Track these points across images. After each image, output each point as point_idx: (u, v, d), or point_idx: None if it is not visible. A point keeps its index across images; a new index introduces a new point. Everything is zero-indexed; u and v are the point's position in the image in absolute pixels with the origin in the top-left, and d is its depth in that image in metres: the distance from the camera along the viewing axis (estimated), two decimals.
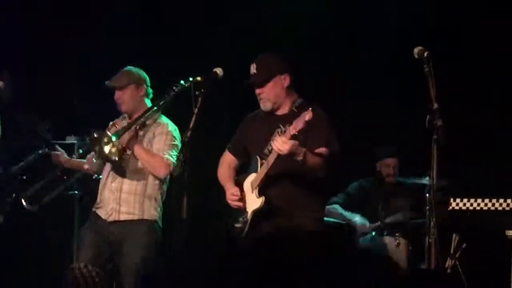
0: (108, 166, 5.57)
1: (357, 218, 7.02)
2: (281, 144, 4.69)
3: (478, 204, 5.70)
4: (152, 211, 5.49)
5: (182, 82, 5.14)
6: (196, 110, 4.75)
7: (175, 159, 5.35)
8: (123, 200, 5.45)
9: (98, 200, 5.61)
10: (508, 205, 5.56)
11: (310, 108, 4.67)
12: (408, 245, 6.76)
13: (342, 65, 7.37)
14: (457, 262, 6.23)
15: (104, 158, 5.40)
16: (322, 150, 4.91)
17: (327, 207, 7.07)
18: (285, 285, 4.80)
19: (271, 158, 4.84)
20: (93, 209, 5.60)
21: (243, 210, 5.05)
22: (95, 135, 5.33)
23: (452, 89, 6.03)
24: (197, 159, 4.83)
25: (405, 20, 7.17)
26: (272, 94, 5.05)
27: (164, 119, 5.58)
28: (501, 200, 5.60)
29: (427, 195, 6.08)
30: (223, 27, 7.35)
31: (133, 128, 5.44)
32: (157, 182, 5.49)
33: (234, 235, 5.10)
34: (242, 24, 7.23)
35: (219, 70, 4.93)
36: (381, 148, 7.33)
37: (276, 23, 7.28)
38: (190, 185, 4.69)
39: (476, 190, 5.75)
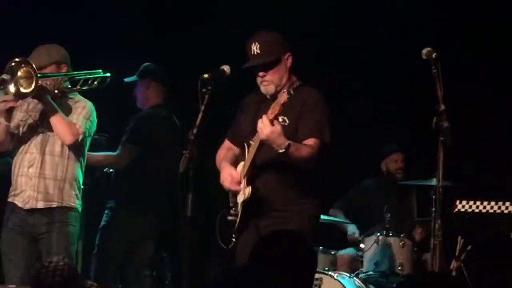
0: (22, 150, 5.29)
1: (350, 227, 7.05)
2: (261, 125, 4.49)
3: (484, 207, 5.69)
4: (72, 198, 5.27)
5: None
6: (202, 107, 4.69)
7: (86, 132, 5.24)
8: (41, 186, 5.20)
9: (13, 187, 5.30)
10: None
11: (285, 91, 4.53)
12: (413, 246, 6.75)
13: (345, 65, 7.38)
14: (462, 264, 6.22)
15: (23, 94, 5.05)
16: (310, 141, 4.68)
17: (331, 210, 7.15)
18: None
19: (255, 144, 4.66)
20: (9, 199, 5.30)
21: (235, 201, 4.83)
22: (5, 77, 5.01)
23: (460, 90, 6.02)
24: (203, 156, 4.82)
25: (417, 21, 7.19)
26: (276, 77, 4.79)
27: (83, 99, 5.41)
28: (507, 203, 5.58)
29: (433, 196, 6.08)
30: (231, 26, 7.33)
31: (58, 78, 5.23)
32: (76, 165, 5.29)
33: (228, 229, 4.84)
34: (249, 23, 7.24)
35: (226, 68, 4.84)
36: (386, 145, 7.38)
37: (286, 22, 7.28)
38: (196, 182, 4.68)
39: (482, 192, 5.74)
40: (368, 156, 7.38)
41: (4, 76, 5.00)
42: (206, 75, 4.75)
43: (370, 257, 6.69)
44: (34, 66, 5.04)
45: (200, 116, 4.70)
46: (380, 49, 7.34)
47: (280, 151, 4.50)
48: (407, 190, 7.22)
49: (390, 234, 6.71)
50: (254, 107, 4.89)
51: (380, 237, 6.70)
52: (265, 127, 4.47)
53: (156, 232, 6.24)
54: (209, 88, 4.72)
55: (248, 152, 4.76)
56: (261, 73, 4.80)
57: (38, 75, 5.05)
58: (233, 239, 4.80)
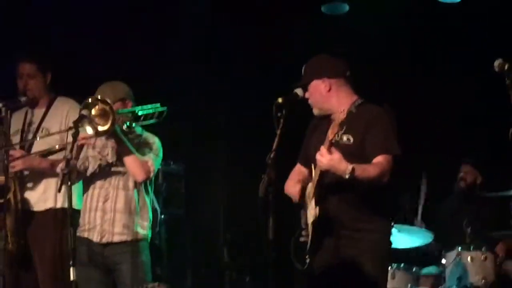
0: (93, 185, 5.42)
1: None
2: (319, 157, 4.56)
3: None
4: (143, 229, 5.41)
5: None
6: (278, 132, 4.73)
7: (156, 169, 5.36)
8: (117, 220, 5.34)
9: (84, 222, 5.42)
10: None
11: (342, 111, 4.53)
12: (495, 259, 6.69)
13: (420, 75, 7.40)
14: None
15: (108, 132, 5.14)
16: (379, 158, 4.68)
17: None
18: None
19: (317, 171, 4.71)
20: (79, 234, 5.39)
21: (306, 222, 4.86)
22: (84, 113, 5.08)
23: None
24: (281, 180, 4.87)
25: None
26: (313, 99, 4.95)
27: (150, 134, 5.53)
28: None
29: None
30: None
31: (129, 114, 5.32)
32: (147, 197, 5.43)
33: (301, 250, 4.87)
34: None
35: (299, 91, 4.91)
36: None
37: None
38: (275, 205, 4.72)
39: None
40: (444, 170, 7.37)
41: (84, 112, 5.11)
42: (280, 100, 4.80)
43: (452, 272, 6.66)
44: (110, 103, 5.14)
45: (276, 140, 4.74)
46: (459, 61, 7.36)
47: (346, 176, 4.51)
48: (485, 202, 7.18)
49: (472, 248, 6.66)
50: (319, 129, 4.95)
51: (462, 252, 6.66)
52: (323, 157, 4.53)
53: None
54: (284, 112, 4.77)
55: (314, 173, 4.79)
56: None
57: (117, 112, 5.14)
58: (307, 260, 4.83)
